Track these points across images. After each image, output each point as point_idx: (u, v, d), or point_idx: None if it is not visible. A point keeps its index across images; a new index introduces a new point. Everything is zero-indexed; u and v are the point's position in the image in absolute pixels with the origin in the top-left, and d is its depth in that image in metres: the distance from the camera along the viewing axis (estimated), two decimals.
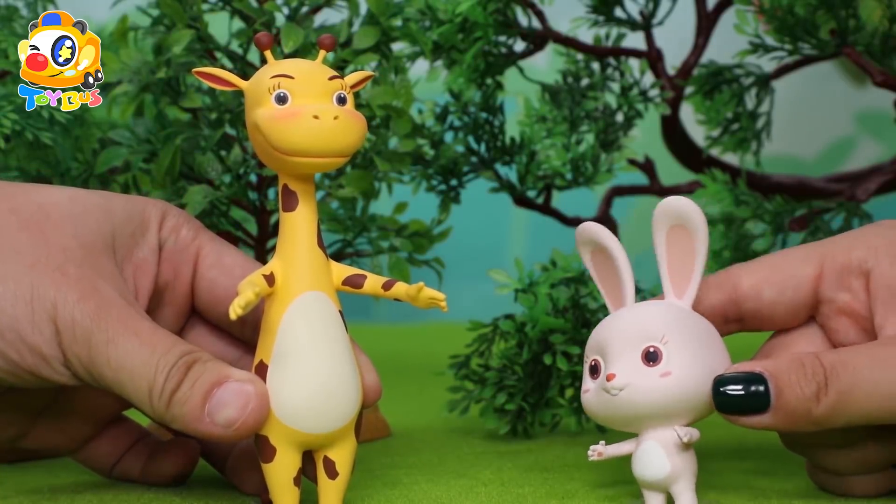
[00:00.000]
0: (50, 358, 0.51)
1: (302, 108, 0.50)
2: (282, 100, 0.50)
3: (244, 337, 0.57)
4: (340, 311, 0.52)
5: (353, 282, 0.53)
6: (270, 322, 0.51)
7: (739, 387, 0.50)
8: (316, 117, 0.49)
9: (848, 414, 0.50)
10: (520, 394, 0.70)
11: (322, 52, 0.52)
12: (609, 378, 0.51)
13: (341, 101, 0.51)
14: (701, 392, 0.51)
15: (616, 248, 0.54)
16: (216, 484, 0.60)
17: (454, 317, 0.57)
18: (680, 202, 0.52)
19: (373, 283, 0.53)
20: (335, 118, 0.50)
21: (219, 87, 0.52)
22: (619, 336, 0.52)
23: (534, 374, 0.71)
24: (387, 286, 0.53)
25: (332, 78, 0.51)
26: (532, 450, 0.68)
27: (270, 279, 0.51)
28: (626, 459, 0.53)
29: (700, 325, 0.53)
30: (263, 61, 0.52)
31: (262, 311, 0.52)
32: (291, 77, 0.50)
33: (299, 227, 0.52)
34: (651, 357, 0.51)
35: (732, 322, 0.56)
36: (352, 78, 0.53)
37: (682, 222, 0.52)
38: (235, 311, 0.48)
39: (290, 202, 0.52)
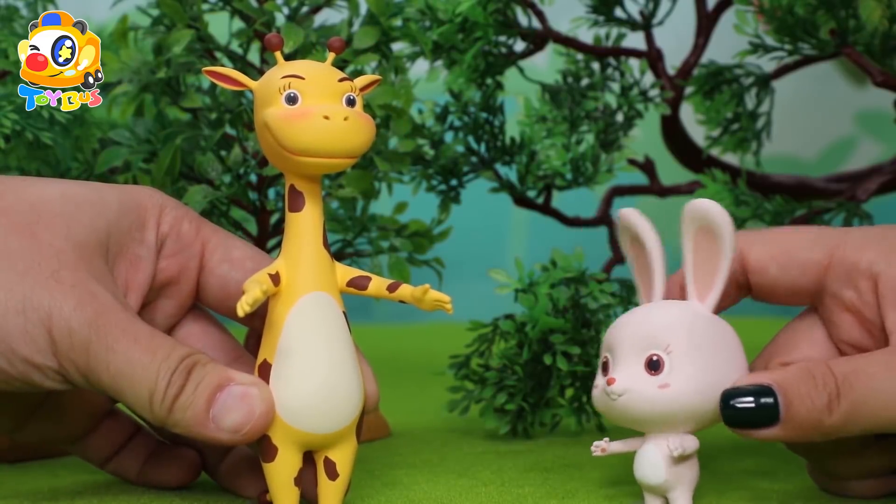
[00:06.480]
0: (43, 367, 0.50)
1: (312, 108, 0.50)
2: (292, 100, 0.50)
3: (253, 326, 0.57)
4: (344, 312, 0.52)
5: (358, 283, 0.53)
6: (274, 321, 0.51)
7: (748, 400, 0.50)
8: (326, 117, 0.50)
9: (861, 424, 0.49)
10: (520, 394, 0.70)
11: (331, 55, 0.52)
12: (609, 382, 0.51)
13: (350, 102, 0.51)
14: (701, 405, 0.51)
15: (651, 240, 0.53)
16: (216, 484, 0.60)
17: (454, 317, 0.57)
18: (707, 205, 0.51)
19: (377, 284, 0.53)
20: (345, 119, 0.50)
21: (228, 87, 0.52)
22: (628, 338, 0.52)
23: (534, 374, 0.71)
24: (392, 288, 0.53)
25: (341, 80, 0.51)
26: (532, 450, 0.68)
27: (276, 278, 0.51)
28: (627, 459, 0.53)
29: (716, 333, 0.52)
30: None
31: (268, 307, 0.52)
32: (302, 77, 0.50)
33: (305, 227, 0.52)
34: (653, 366, 0.51)
35: (743, 289, 0.55)
36: (361, 80, 0.53)
37: (708, 224, 0.52)
38: (244, 308, 0.49)
39: (296, 203, 0.52)
